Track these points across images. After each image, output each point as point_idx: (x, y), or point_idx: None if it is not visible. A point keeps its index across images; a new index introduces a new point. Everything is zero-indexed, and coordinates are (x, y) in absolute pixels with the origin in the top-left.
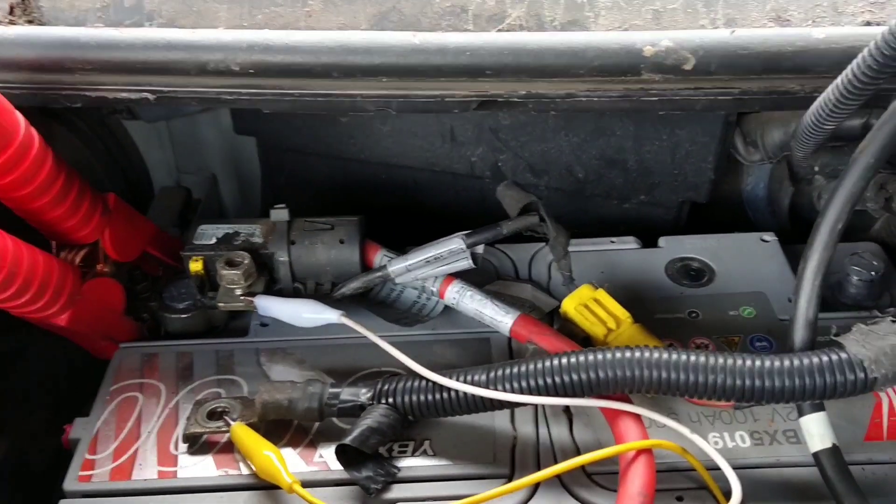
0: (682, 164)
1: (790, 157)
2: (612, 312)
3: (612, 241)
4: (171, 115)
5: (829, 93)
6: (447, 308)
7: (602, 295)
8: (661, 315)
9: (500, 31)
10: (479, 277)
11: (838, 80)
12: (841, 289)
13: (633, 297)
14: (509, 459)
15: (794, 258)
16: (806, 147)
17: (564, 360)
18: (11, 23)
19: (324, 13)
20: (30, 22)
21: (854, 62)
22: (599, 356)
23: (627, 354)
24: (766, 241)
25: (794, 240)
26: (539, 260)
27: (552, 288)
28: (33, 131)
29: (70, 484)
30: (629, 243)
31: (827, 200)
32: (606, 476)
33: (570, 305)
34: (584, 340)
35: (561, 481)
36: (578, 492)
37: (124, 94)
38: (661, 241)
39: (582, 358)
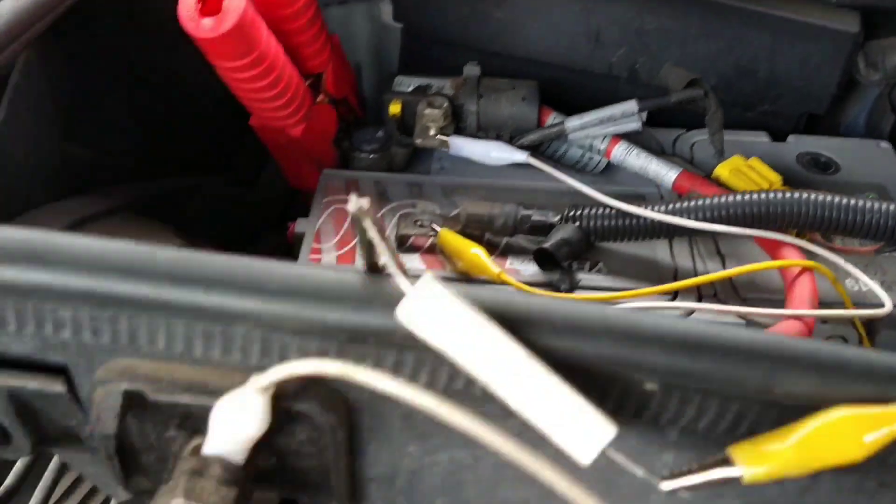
0: (809, 77)
1: None
2: (765, 176)
3: (746, 133)
4: (328, 1)
5: None
6: (607, 168)
7: (755, 162)
8: None
9: None
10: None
11: None
12: None
13: None
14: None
15: None
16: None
17: (740, 197)
18: None
19: None
20: None
21: None
22: (771, 194)
23: (797, 195)
24: (882, 148)
25: None
26: (682, 142)
27: (695, 166)
28: None
29: (303, 263)
30: (760, 136)
31: None
32: (759, 301)
33: (724, 170)
34: None
35: (718, 300)
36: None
37: None
38: (790, 138)
39: (755, 195)
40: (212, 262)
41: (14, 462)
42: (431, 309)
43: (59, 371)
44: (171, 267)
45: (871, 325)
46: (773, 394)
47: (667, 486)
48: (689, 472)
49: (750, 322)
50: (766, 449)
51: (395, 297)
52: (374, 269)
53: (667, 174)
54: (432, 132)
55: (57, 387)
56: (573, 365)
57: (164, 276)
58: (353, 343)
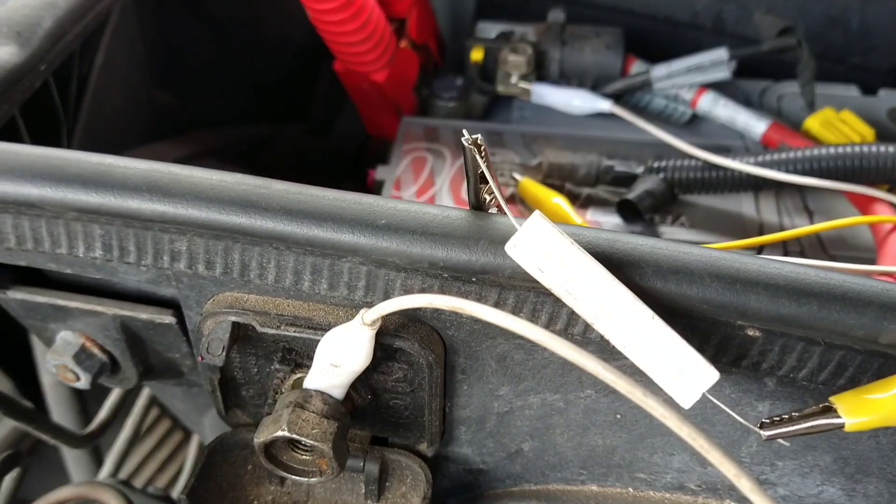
0: None
1: None
2: (857, 129)
3: (835, 86)
4: None
5: None
6: (692, 119)
7: (847, 115)
8: None
9: None
10: None
11: None
12: None
13: None
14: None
15: None
16: None
17: (832, 150)
18: None
19: None
20: None
21: None
22: (864, 148)
23: (894, 149)
24: None
25: None
26: (769, 94)
27: (783, 119)
28: None
29: None
30: (851, 90)
31: None
32: (846, 259)
33: (815, 122)
34: None
35: (804, 256)
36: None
37: None
38: (881, 92)
39: (848, 148)
40: (324, 196)
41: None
42: (541, 246)
43: (169, 304)
44: (285, 200)
45: None
46: (879, 343)
47: (767, 433)
48: (790, 419)
49: None
50: (869, 398)
51: (502, 235)
52: (480, 205)
53: (756, 126)
54: (514, 79)
55: (167, 318)
56: (676, 308)
57: (278, 208)
58: (455, 281)
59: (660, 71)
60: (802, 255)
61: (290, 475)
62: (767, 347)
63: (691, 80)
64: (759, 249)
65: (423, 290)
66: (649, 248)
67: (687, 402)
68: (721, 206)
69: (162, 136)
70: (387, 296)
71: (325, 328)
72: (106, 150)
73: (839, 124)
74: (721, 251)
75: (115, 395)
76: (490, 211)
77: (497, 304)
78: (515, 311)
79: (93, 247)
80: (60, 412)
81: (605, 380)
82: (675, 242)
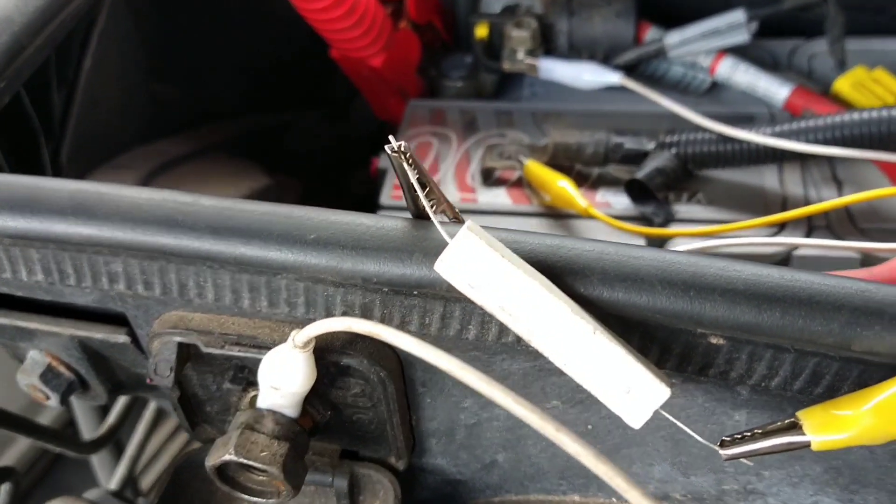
0: None
1: None
2: (891, 89)
3: (875, 40)
4: None
5: None
6: (713, 86)
7: (881, 74)
8: None
9: None
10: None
11: None
12: None
13: None
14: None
15: None
16: None
17: (857, 115)
18: None
19: None
20: None
21: None
22: (885, 113)
23: None
24: None
25: None
26: (799, 53)
27: (814, 80)
28: None
29: (386, 199)
30: (892, 43)
31: None
32: (879, 233)
33: (845, 84)
34: None
35: (831, 231)
36: (850, 240)
37: None
38: None
39: (875, 113)
40: (252, 211)
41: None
42: (470, 262)
43: (121, 322)
44: (211, 218)
45: None
46: (853, 350)
47: (727, 452)
48: (752, 437)
49: (868, 259)
50: (840, 413)
51: (437, 247)
52: (420, 214)
53: (778, 91)
54: (520, 55)
55: (120, 337)
56: (628, 317)
57: (204, 227)
58: (397, 295)
59: (673, 38)
60: (829, 229)
61: (247, 496)
62: (734, 356)
63: (708, 45)
64: (781, 227)
65: (363, 306)
66: (595, 255)
67: (636, 422)
68: (741, 179)
69: (169, 132)
70: (328, 312)
71: (269, 346)
72: (104, 151)
73: (871, 84)
74: (676, 254)
75: (122, 400)
76: (439, 218)
77: (443, 317)
78: (463, 324)
79: (34, 271)
80: (84, 419)
81: (488, 395)
82: (625, 247)
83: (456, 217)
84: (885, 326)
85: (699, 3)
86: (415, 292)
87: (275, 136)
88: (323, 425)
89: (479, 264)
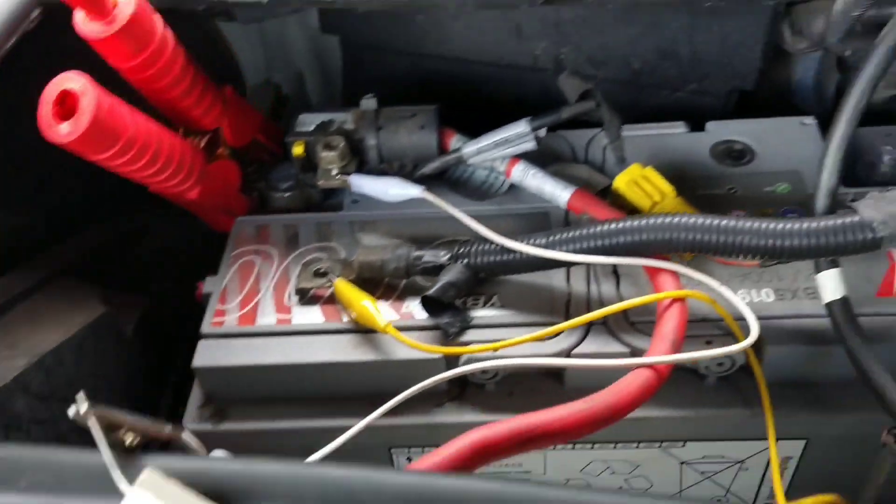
0: (731, 54)
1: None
2: (658, 187)
3: (662, 126)
4: (265, 16)
5: None
6: (513, 186)
7: (650, 172)
8: (702, 192)
9: None
10: (542, 160)
11: None
12: (874, 168)
13: (678, 175)
14: (564, 311)
15: None
16: (837, 33)
17: (613, 225)
18: None
19: None
20: None
21: None
22: (643, 221)
23: (667, 219)
24: (806, 125)
25: None
26: (595, 144)
27: (606, 169)
28: (168, 30)
29: (206, 328)
30: (678, 127)
31: (851, 80)
32: (647, 324)
33: (622, 181)
34: (632, 212)
35: (607, 327)
36: (622, 336)
37: None
38: (708, 125)
39: (628, 223)
40: None
41: None
42: None
43: None
44: None
45: (757, 345)
46: None
47: None
48: None
49: (636, 350)
50: None
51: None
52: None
53: (561, 195)
54: (334, 172)
55: None
56: None
57: None
58: None
59: (470, 149)
60: (605, 324)
61: None
62: None
63: (502, 153)
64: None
65: None
66: (265, 478)
67: None
68: (532, 279)
69: (17, 258)
70: None
71: None
72: None
73: (643, 182)
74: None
75: None
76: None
77: None
78: None
79: None
80: None
81: None
82: (290, 465)
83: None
84: None
85: (523, 88)
86: None
87: (134, 241)
88: None
89: None
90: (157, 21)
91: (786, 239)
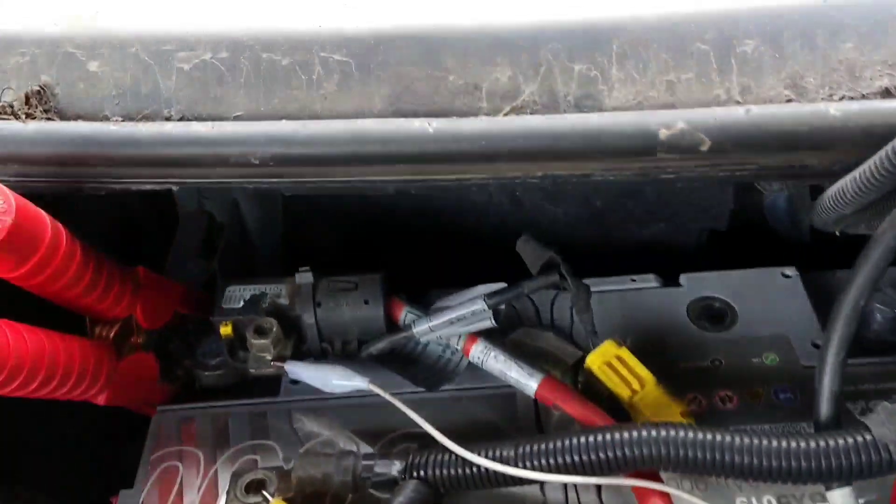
0: (701, 195)
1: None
2: (636, 373)
3: (633, 280)
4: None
5: (847, 182)
6: (470, 364)
7: (625, 353)
8: (684, 364)
9: (514, 108)
10: (503, 324)
11: (856, 174)
12: (865, 325)
13: (657, 343)
14: None
15: (817, 290)
16: (826, 220)
17: (592, 438)
18: (28, 115)
19: (338, 95)
20: (46, 112)
21: (871, 161)
22: (631, 434)
23: (661, 433)
24: (788, 277)
25: (813, 253)
26: (561, 304)
27: (575, 334)
28: (60, 227)
29: None
30: (650, 282)
31: (850, 276)
32: None
33: (595, 363)
34: (609, 398)
35: None
36: None
37: (148, 186)
38: (682, 279)
39: (608, 436)
40: None
41: None
42: None
43: None
44: None
45: None
46: None
47: None
48: None
49: None
50: None
51: None
52: None
53: (528, 383)
54: (268, 358)
55: None
56: None
57: None
58: None
59: (421, 327)
60: None
61: None
62: None
63: (457, 331)
64: None
65: None
66: None
67: None
68: (506, 492)
69: None
70: None
71: None
72: None
73: (618, 366)
74: None
75: None
76: None
77: None
78: None
79: None
80: None
81: None
82: None
83: None
84: None
85: (448, 255)
86: None
87: None
88: None
89: None
90: (44, 223)
91: (792, 460)
